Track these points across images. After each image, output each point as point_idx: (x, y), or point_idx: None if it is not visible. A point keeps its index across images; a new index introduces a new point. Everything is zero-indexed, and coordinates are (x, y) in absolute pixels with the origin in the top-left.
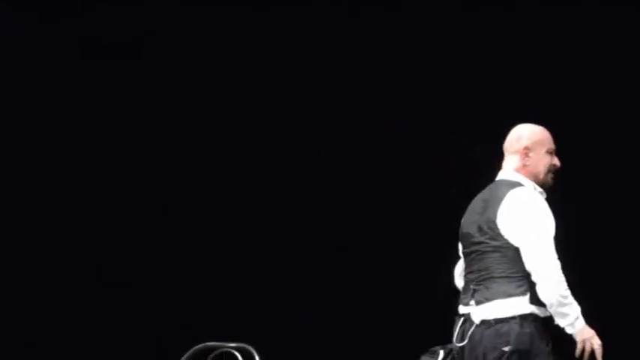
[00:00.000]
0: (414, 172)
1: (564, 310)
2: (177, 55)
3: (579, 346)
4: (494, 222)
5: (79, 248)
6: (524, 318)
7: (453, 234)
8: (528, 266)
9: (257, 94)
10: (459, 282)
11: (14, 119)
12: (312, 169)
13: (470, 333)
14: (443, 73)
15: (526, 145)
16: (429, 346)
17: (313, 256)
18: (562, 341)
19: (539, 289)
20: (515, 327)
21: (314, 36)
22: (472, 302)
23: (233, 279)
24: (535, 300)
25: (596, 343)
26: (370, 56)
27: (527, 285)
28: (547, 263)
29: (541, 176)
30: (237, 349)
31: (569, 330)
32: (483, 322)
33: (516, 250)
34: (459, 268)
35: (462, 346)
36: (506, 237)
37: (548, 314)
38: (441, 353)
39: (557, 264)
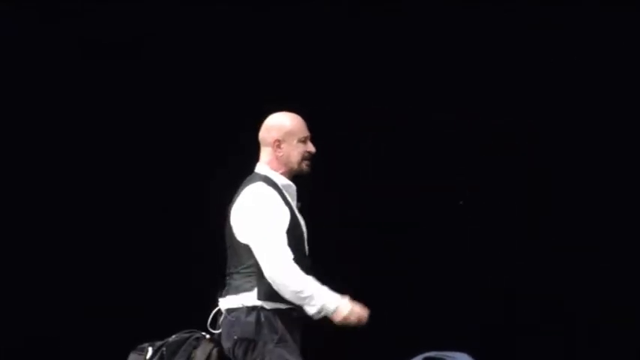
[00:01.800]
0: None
1: (306, 302)
2: (177, 55)
3: (346, 324)
4: (229, 219)
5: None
6: (251, 309)
7: None
8: (260, 264)
9: (255, 93)
10: None
11: (14, 119)
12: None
13: (220, 322)
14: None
15: (276, 138)
16: None
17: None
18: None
19: (275, 289)
20: (241, 316)
21: (314, 35)
22: (223, 294)
23: None
24: (263, 295)
25: (356, 315)
26: (369, 55)
27: (256, 281)
28: (274, 263)
29: (295, 166)
30: None
31: (321, 316)
32: (224, 312)
33: (246, 247)
34: None
35: (219, 334)
36: (236, 234)
37: (282, 306)
38: (150, 350)
39: (284, 261)
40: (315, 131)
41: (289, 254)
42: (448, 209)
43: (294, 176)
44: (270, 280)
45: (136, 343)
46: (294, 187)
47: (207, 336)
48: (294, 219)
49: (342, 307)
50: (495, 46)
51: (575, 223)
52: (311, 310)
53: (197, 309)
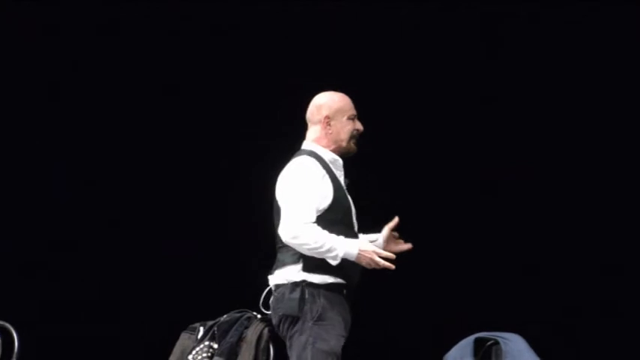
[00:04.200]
0: None
1: (328, 255)
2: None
3: (374, 266)
4: (275, 192)
5: None
6: (295, 284)
7: None
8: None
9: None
10: None
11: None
12: None
13: (270, 300)
14: None
15: (327, 115)
16: None
17: None
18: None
19: (299, 250)
20: (286, 292)
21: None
22: (272, 271)
23: None
24: (308, 267)
25: (375, 260)
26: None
27: (300, 253)
28: (290, 225)
29: (344, 144)
30: None
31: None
32: (272, 289)
33: None
34: None
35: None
36: (279, 205)
37: (329, 281)
38: (201, 330)
39: (300, 222)
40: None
41: (306, 218)
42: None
43: (342, 154)
44: (290, 244)
45: (187, 322)
46: (340, 161)
47: (259, 316)
48: (339, 192)
49: (363, 247)
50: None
51: None
52: (334, 260)
53: (249, 288)
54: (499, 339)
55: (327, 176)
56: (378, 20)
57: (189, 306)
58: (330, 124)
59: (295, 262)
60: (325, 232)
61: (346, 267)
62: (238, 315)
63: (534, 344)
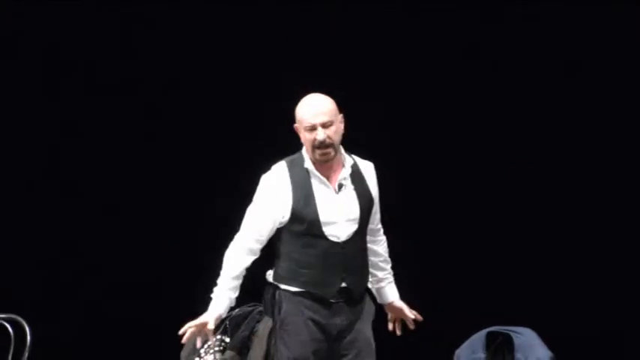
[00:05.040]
0: None
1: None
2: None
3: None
4: None
5: None
6: (269, 286)
7: None
8: None
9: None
10: None
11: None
12: None
13: None
14: None
15: (296, 125)
16: None
17: None
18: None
19: None
20: (265, 294)
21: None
22: None
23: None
24: (274, 275)
25: (187, 326)
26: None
27: (274, 260)
28: (233, 239)
29: (310, 154)
30: (7, 320)
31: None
32: None
33: None
34: None
35: None
36: None
37: (291, 288)
38: None
39: (236, 244)
40: None
41: (241, 243)
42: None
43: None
44: None
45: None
46: (338, 167)
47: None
48: (301, 203)
49: (204, 316)
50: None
51: None
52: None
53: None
54: (511, 333)
55: (287, 187)
56: (388, 21)
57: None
58: (300, 133)
59: (274, 264)
60: (229, 272)
61: (316, 279)
62: (250, 309)
63: (546, 338)
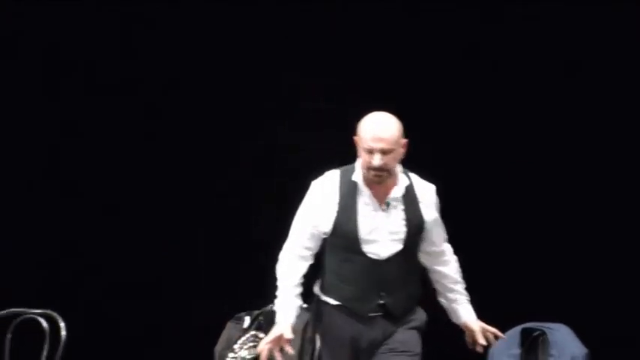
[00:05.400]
0: None
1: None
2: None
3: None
4: None
5: None
6: (314, 298)
7: None
8: None
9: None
10: None
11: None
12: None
13: None
14: None
15: (355, 138)
16: None
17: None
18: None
19: None
20: (312, 304)
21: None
22: None
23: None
24: (319, 286)
25: (263, 344)
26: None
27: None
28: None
29: (364, 170)
30: (42, 315)
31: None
32: None
33: None
34: None
35: None
36: None
37: (331, 301)
38: (247, 320)
39: (286, 250)
40: None
41: (290, 250)
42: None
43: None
44: None
45: (233, 312)
46: (390, 186)
47: (305, 305)
48: (343, 217)
49: (277, 328)
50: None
51: None
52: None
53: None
54: (545, 329)
55: (334, 199)
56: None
57: (236, 295)
58: (358, 147)
59: (320, 274)
60: (287, 281)
61: (353, 295)
62: None
63: (581, 334)
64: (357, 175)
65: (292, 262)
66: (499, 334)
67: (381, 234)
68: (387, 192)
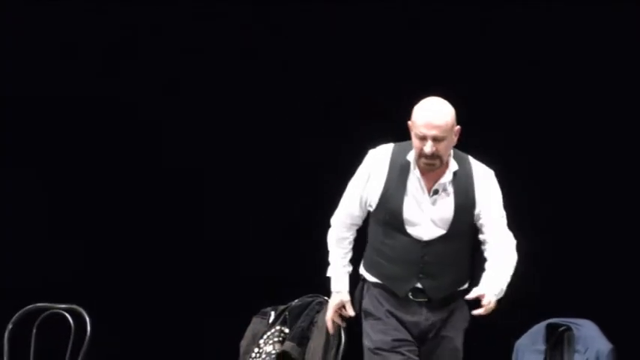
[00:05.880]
0: None
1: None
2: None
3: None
4: None
5: None
6: (360, 279)
7: None
8: None
9: None
10: None
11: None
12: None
13: None
14: None
15: (409, 122)
16: None
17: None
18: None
19: None
20: (358, 284)
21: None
22: None
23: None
24: (365, 264)
25: (328, 317)
26: None
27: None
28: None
29: (415, 156)
30: (68, 310)
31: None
32: None
33: None
34: None
35: None
36: None
37: (372, 279)
38: (272, 314)
39: (336, 219)
40: None
41: (337, 217)
42: None
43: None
44: None
45: (259, 307)
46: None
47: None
48: (388, 193)
49: (334, 296)
50: None
51: None
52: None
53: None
54: (571, 325)
55: (383, 173)
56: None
57: (261, 290)
58: (411, 132)
59: (365, 250)
60: (337, 249)
61: (391, 273)
62: (310, 300)
63: (607, 330)
64: (411, 155)
65: (339, 230)
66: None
67: (423, 217)
68: (436, 178)
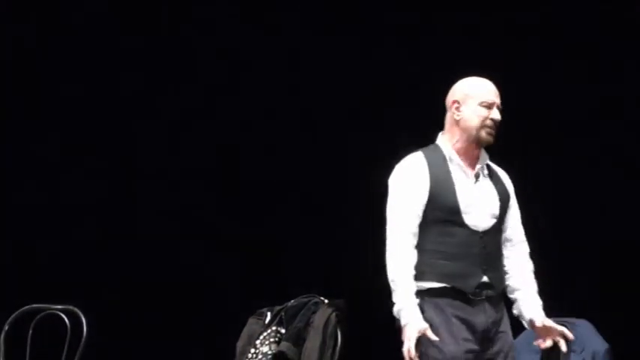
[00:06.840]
0: None
1: (393, 295)
2: None
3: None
4: None
5: None
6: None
7: None
8: None
9: None
10: None
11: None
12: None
13: None
14: None
15: (455, 99)
16: None
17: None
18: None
19: None
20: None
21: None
22: None
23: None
24: (416, 275)
25: (406, 349)
26: None
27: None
28: (387, 240)
29: (474, 132)
30: (64, 311)
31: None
32: None
33: None
34: None
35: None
36: None
37: (424, 285)
38: (268, 315)
39: (393, 241)
40: None
41: (397, 235)
42: None
43: (474, 145)
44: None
45: (255, 308)
46: (478, 156)
47: (326, 301)
48: (439, 188)
49: (410, 326)
50: None
51: None
52: (393, 305)
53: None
54: (567, 324)
55: (425, 171)
56: None
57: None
58: (459, 110)
59: None
60: (405, 272)
61: (455, 271)
62: (306, 300)
63: (602, 329)
64: (447, 150)
65: (404, 254)
66: (567, 334)
67: (477, 204)
68: (473, 163)
